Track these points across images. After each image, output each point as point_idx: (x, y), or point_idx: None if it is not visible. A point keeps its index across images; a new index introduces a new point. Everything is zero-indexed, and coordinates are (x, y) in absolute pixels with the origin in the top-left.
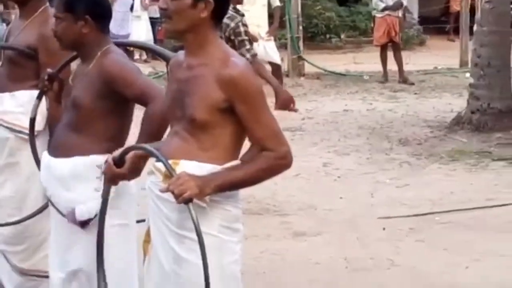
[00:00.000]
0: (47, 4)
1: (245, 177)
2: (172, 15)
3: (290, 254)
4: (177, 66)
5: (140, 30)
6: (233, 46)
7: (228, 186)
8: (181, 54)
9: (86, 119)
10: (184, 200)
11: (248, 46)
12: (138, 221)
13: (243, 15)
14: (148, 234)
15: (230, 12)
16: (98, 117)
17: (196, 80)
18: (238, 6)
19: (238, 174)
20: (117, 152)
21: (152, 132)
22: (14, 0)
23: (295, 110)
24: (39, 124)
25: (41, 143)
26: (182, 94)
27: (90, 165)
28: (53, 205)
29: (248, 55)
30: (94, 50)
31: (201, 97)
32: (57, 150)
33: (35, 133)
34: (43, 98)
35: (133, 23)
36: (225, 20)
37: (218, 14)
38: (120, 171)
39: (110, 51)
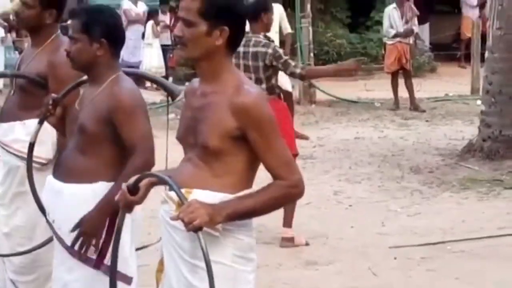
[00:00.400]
0: (59, 32)
1: (257, 205)
2: (187, 42)
3: (302, 283)
4: (191, 93)
5: (151, 58)
6: (275, 72)
7: (239, 214)
8: (196, 81)
9: (92, 144)
10: (194, 228)
11: (293, 63)
12: (137, 249)
13: (273, 41)
14: (161, 263)
15: (263, 40)
16: (103, 142)
17: (209, 107)
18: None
19: (249, 202)
20: (131, 180)
21: None
22: (26, 28)
23: (306, 138)
24: (49, 153)
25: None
26: (196, 121)
27: (98, 191)
28: (53, 230)
29: (299, 70)
30: (105, 74)
31: (214, 124)
32: (64, 175)
33: (45, 162)
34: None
35: (144, 50)
36: (262, 49)
37: (233, 42)
38: (134, 199)
39: (123, 79)
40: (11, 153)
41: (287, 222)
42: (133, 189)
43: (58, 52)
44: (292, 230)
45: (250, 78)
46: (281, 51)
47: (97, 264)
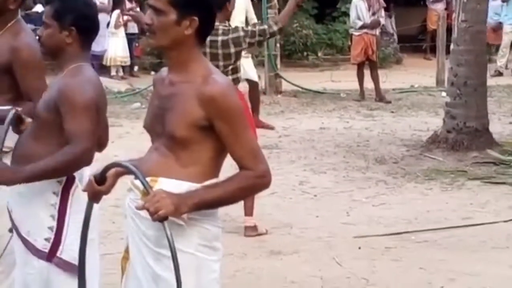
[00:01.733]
0: (19, 17)
1: (223, 195)
2: (157, 31)
3: (266, 273)
4: (160, 82)
5: (116, 47)
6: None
7: (205, 204)
8: (164, 70)
9: (42, 130)
10: (159, 218)
11: (265, 26)
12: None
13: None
14: (126, 251)
15: (230, 28)
16: (53, 129)
17: (177, 97)
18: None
19: (216, 192)
20: (98, 170)
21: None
22: None
23: (272, 128)
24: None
25: None
26: (163, 110)
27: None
28: (11, 218)
29: (275, 27)
30: (69, 63)
31: (181, 114)
32: (15, 161)
33: (7, 150)
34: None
35: (109, 39)
36: (233, 35)
37: (202, 32)
38: (102, 189)
39: (82, 71)
40: None
41: (248, 210)
42: (100, 180)
43: (20, 36)
44: (253, 218)
45: (218, 66)
46: (248, 27)
47: (49, 257)
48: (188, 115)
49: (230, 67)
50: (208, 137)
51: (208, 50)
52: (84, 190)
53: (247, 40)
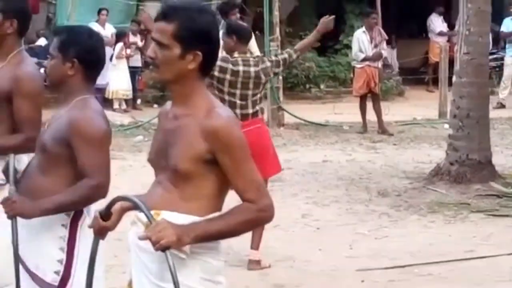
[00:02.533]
0: (22, 47)
1: (225, 228)
2: (160, 64)
3: None
4: (164, 116)
5: (119, 80)
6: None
7: (207, 236)
8: (169, 104)
9: (51, 164)
10: (161, 247)
11: (285, 54)
12: None
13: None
14: (130, 284)
15: (253, 58)
16: (62, 163)
17: (180, 130)
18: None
19: (218, 225)
20: (103, 205)
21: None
22: None
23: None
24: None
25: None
26: (167, 144)
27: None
28: (15, 252)
29: (294, 55)
30: (73, 95)
31: (185, 147)
32: (22, 195)
33: (3, 182)
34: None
35: (112, 72)
36: (262, 65)
37: (206, 66)
38: (107, 225)
39: (87, 105)
40: None
41: (255, 244)
42: (106, 215)
43: (21, 66)
44: (259, 252)
45: (247, 95)
46: (272, 57)
47: None
48: (191, 148)
49: (258, 96)
50: (211, 171)
51: (240, 79)
52: (90, 227)
53: (273, 70)
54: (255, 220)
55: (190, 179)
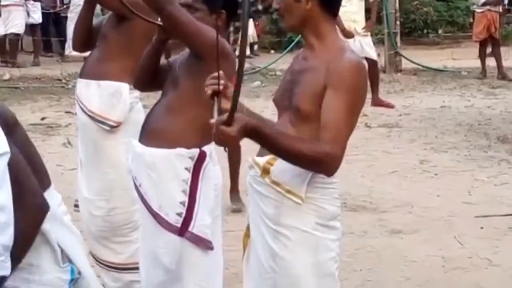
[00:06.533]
0: None
1: (287, 147)
2: (284, 13)
3: (386, 252)
4: (296, 58)
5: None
6: None
7: (269, 143)
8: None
9: (183, 103)
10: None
11: None
12: None
13: None
14: (248, 228)
15: None
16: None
17: (307, 71)
18: None
19: (284, 141)
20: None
21: None
22: None
23: (392, 106)
24: (119, 115)
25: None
26: (292, 84)
27: (173, 158)
28: (139, 194)
29: None
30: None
31: (308, 88)
32: (146, 138)
33: (115, 124)
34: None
35: None
36: None
37: (326, 3)
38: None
39: None
40: (83, 110)
41: None
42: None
43: None
44: None
45: None
46: None
47: (182, 232)
48: (314, 88)
49: None
50: None
51: None
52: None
53: None
54: (317, 159)
55: (308, 121)
